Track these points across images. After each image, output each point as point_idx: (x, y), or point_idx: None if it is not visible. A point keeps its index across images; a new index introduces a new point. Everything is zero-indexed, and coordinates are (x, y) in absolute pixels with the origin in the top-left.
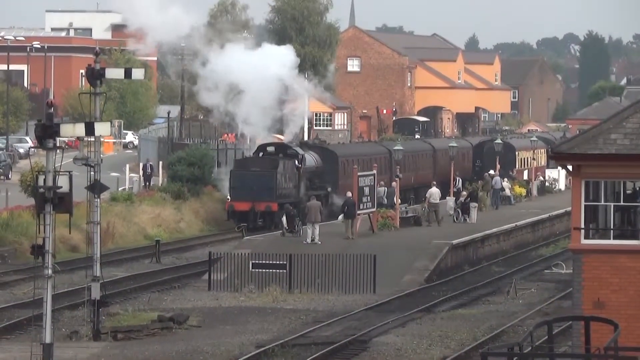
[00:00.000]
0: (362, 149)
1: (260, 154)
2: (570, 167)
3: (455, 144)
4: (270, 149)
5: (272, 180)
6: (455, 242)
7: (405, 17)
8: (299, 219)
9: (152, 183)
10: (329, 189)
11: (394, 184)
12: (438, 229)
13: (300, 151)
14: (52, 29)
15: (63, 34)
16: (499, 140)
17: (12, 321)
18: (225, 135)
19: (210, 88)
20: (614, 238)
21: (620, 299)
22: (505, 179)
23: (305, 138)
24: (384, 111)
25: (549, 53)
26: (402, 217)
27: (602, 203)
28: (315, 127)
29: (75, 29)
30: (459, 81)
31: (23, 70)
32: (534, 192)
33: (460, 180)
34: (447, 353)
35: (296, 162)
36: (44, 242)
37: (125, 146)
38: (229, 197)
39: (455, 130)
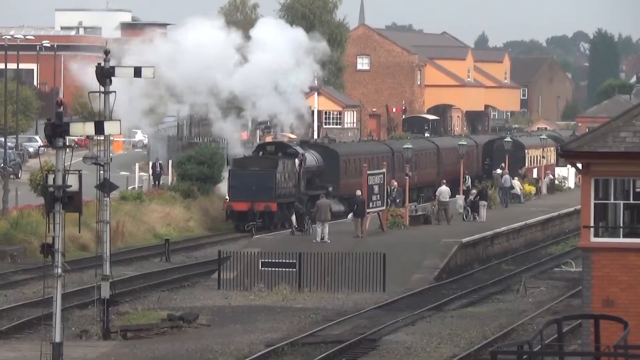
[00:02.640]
0: (364, 147)
1: (260, 153)
2: (579, 165)
3: (464, 142)
4: (270, 148)
5: (272, 180)
6: (464, 240)
7: (414, 15)
8: (309, 217)
9: (161, 182)
10: (330, 189)
11: (395, 182)
12: (448, 227)
13: (300, 150)
14: (62, 28)
15: (73, 32)
16: (508, 139)
17: (22, 320)
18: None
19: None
20: (624, 236)
21: (630, 297)
22: (515, 178)
23: (315, 136)
24: (394, 109)
25: (558, 51)
26: (411, 216)
27: (612, 201)
28: (324, 125)
29: (85, 28)
30: (469, 79)
31: (33, 69)
32: (544, 190)
33: (469, 178)
34: (457, 351)
35: (296, 161)
36: (53, 241)
37: (135, 145)
38: (227, 197)
39: (465, 129)
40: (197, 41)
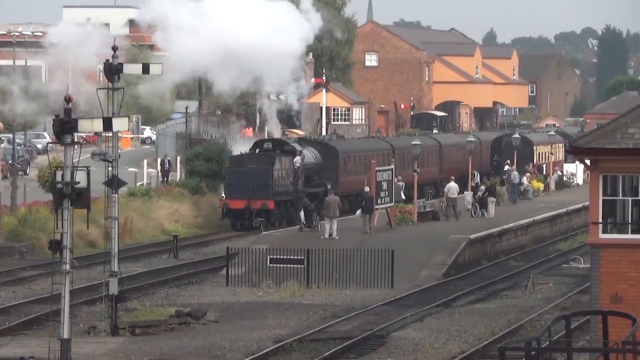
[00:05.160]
0: (364, 145)
1: (257, 150)
2: (588, 162)
3: (472, 139)
4: (267, 145)
5: (269, 178)
6: (473, 236)
7: (422, 11)
8: (317, 214)
9: (170, 178)
10: (329, 186)
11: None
12: (456, 223)
13: (298, 147)
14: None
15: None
16: (516, 135)
17: (31, 316)
18: (244, 130)
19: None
20: (632, 232)
21: (639, 293)
22: (527, 174)
23: (323, 133)
24: (402, 106)
25: (566, 47)
26: (420, 212)
27: (620, 197)
28: (333, 122)
29: (93, 25)
30: (477, 76)
31: (40, 66)
32: (552, 186)
33: (478, 175)
34: (465, 348)
35: (298, 159)
36: (61, 238)
37: (143, 141)
38: (223, 194)
39: (473, 125)
40: None
